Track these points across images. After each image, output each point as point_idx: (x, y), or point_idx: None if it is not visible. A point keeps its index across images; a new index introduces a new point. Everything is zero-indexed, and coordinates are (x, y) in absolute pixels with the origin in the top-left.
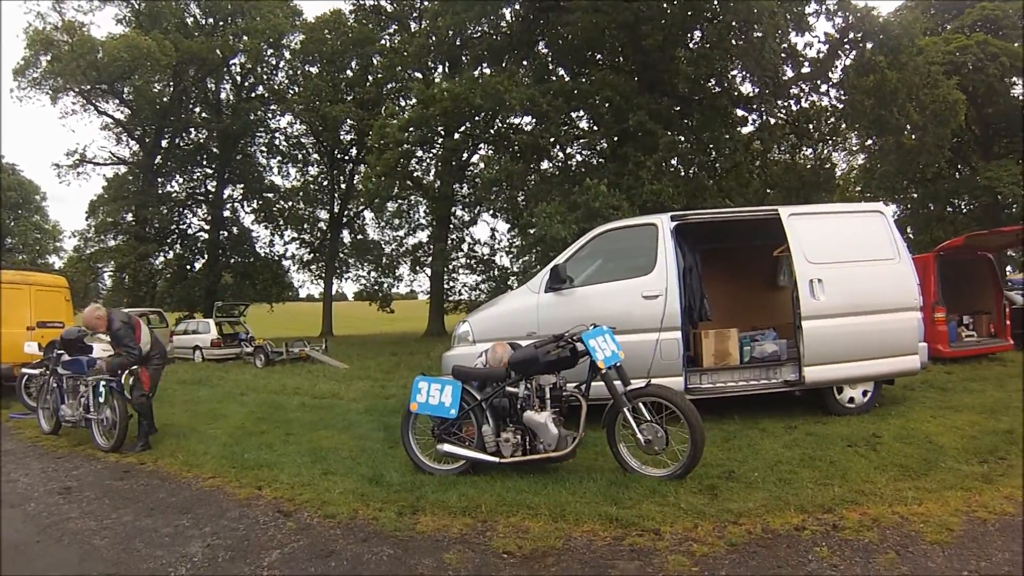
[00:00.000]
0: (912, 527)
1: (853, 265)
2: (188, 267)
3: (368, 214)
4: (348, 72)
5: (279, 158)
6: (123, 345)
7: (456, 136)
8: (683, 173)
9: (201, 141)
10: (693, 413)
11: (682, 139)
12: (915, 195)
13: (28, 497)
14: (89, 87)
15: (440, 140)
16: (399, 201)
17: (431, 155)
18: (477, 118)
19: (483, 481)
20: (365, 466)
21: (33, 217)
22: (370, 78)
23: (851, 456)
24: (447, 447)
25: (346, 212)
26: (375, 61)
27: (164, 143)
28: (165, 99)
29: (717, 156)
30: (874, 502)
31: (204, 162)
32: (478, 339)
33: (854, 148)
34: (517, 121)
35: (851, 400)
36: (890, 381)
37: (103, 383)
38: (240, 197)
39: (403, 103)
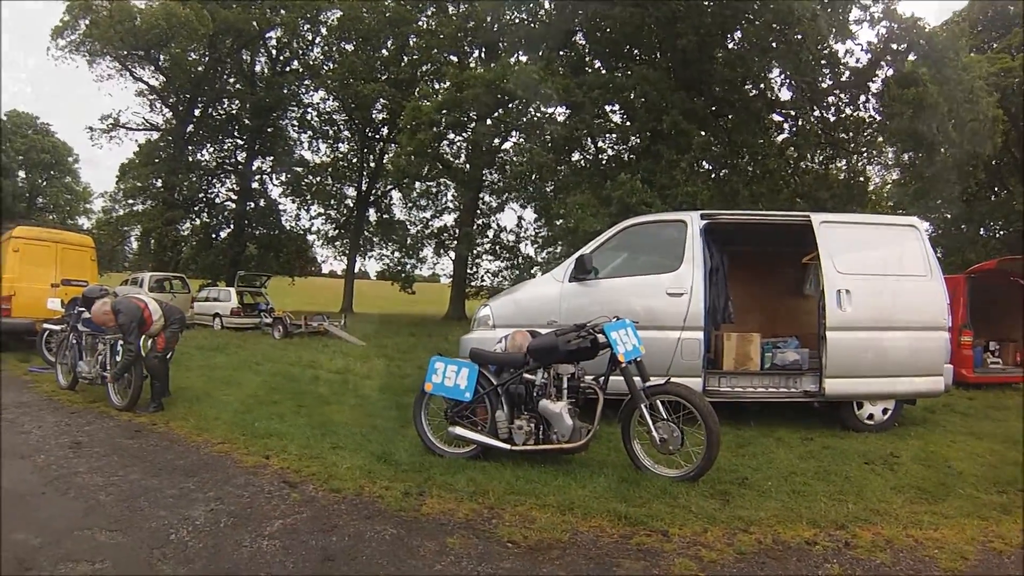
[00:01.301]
0: (926, 552)
1: (883, 279)
2: (213, 235)
3: (395, 194)
4: (383, 51)
5: (310, 133)
6: (127, 340)
7: (488, 122)
8: (715, 175)
9: (234, 112)
10: (711, 415)
11: (715, 141)
12: (948, 215)
13: (39, 449)
14: (126, 53)
15: (472, 125)
16: (428, 183)
17: (462, 139)
18: (510, 105)
19: (492, 467)
20: (375, 443)
21: (65, 179)
22: (405, 59)
23: (867, 474)
24: (459, 430)
25: (374, 190)
26: (411, 42)
27: (197, 112)
28: (200, 68)
29: (750, 160)
30: (888, 522)
31: (235, 133)
32: (498, 324)
33: (889, 162)
34: (550, 111)
35: (870, 417)
36: (912, 401)
37: (120, 342)
38: (269, 169)
39: (437, 85)
